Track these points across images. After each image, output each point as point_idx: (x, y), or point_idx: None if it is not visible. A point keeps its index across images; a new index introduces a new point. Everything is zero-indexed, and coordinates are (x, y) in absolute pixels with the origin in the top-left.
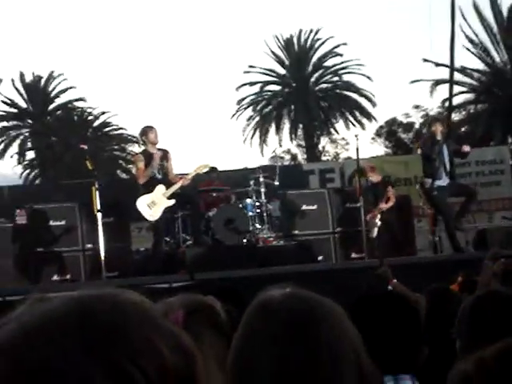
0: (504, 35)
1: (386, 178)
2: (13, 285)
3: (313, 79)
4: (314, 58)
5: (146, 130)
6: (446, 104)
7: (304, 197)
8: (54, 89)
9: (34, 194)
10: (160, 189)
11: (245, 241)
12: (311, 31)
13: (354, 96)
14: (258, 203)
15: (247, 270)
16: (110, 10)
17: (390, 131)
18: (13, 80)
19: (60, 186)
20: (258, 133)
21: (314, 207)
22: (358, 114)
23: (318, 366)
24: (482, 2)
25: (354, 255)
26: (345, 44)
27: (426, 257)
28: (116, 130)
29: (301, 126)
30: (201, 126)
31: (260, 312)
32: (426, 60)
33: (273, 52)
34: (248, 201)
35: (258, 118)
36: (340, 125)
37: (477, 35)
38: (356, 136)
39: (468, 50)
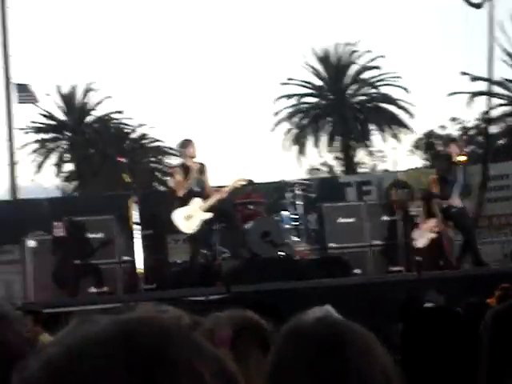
0: None
1: None
2: (51, 297)
3: (350, 91)
4: (351, 71)
5: (185, 144)
6: (485, 116)
7: (341, 209)
8: (90, 100)
9: (72, 206)
10: (197, 202)
11: (281, 254)
12: (348, 44)
13: (391, 108)
14: (294, 216)
15: (283, 283)
16: (146, 21)
17: (428, 143)
18: (50, 92)
19: (98, 198)
20: (295, 145)
21: (351, 220)
22: (394, 126)
23: None
24: None
25: (391, 268)
26: (382, 57)
27: (465, 270)
28: (153, 142)
29: (338, 138)
30: (238, 139)
31: (291, 337)
32: (464, 73)
33: (310, 64)
34: (284, 213)
35: (295, 131)
36: (377, 137)
37: None
38: (393, 148)
39: (505, 62)
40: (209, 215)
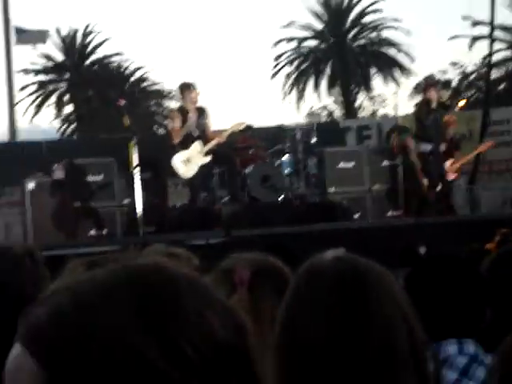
0: None
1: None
2: (50, 239)
3: (350, 35)
4: (352, 14)
5: (187, 86)
6: (486, 61)
7: (341, 154)
8: (90, 42)
9: (72, 148)
10: (196, 146)
11: (281, 198)
12: None
13: (392, 52)
14: (294, 160)
15: (283, 228)
16: None
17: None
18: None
19: (97, 141)
20: (295, 89)
21: (351, 165)
22: (395, 70)
23: (367, 331)
24: None
25: (390, 213)
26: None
27: (464, 215)
28: (153, 84)
29: (338, 82)
30: (237, 82)
31: (309, 277)
32: (465, 17)
33: (311, 8)
34: (284, 158)
35: (295, 75)
36: (377, 81)
37: None
38: (394, 93)
39: (508, 6)
40: (208, 159)
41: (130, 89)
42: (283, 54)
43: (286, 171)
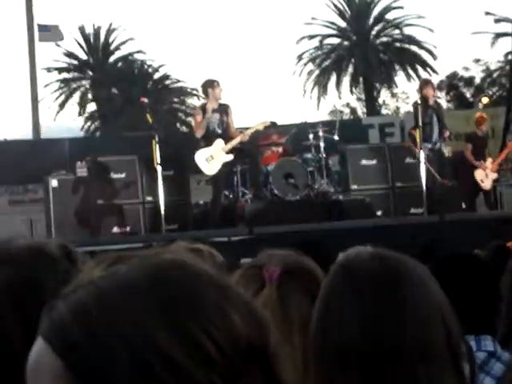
0: None
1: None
2: (74, 236)
3: (373, 32)
4: (375, 11)
5: (211, 84)
6: (509, 57)
7: (363, 151)
8: (113, 40)
9: (95, 146)
10: (219, 143)
11: (304, 195)
12: None
13: (415, 49)
14: (317, 158)
15: (306, 225)
16: None
17: (451, 85)
18: (72, 32)
19: (120, 138)
20: (317, 87)
21: (373, 162)
22: (418, 67)
23: (402, 325)
24: None
25: (412, 211)
26: None
27: (487, 213)
28: (176, 82)
29: (361, 79)
30: (261, 79)
31: (344, 272)
32: (488, 13)
33: (334, 4)
34: (307, 155)
35: (317, 72)
36: (400, 78)
37: None
38: (417, 90)
39: None
40: (231, 157)
41: (152, 87)
42: (306, 51)
43: (309, 168)
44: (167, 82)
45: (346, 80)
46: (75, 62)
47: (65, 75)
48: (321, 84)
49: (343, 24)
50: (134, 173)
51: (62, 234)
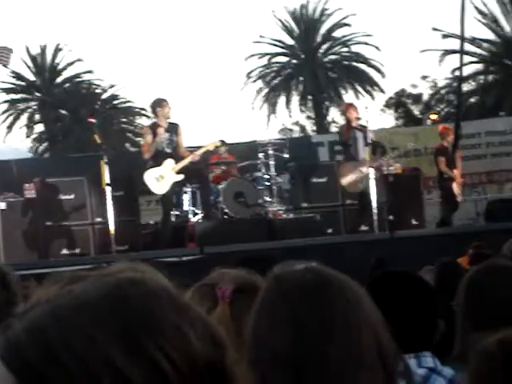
0: None
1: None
2: (22, 259)
3: (321, 50)
4: (323, 29)
5: (161, 103)
6: (456, 74)
7: (313, 169)
8: (61, 61)
9: (43, 167)
10: (169, 163)
11: (254, 214)
12: (320, 1)
13: (363, 67)
14: (267, 176)
15: (257, 244)
16: None
17: (399, 102)
18: (19, 52)
19: (69, 159)
20: (266, 105)
21: (324, 180)
22: (366, 85)
23: (330, 335)
24: None
25: (363, 228)
26: (353, 14)
27: (436, 229)
28: (124, 102)
29: (310, 97)
30: (209, 99)
31: (276, 282)
32: (435, 29)
33: (282, 22)
34: (257, 174)
35: (266, 90)
36: (349, 96)
37: (486, 5)
38: (366, 108)
39: (478, 20)
40: (181, 176)
41: (101, 107)
42: (255, 69)
43: (259, 187)
44: (116, 102)
45: (296, 98)
46: (22, 83)
47: (12, 96)
48: (270, 102)
49: (291, 42)
50: (83, 194)
51: (10, 257)
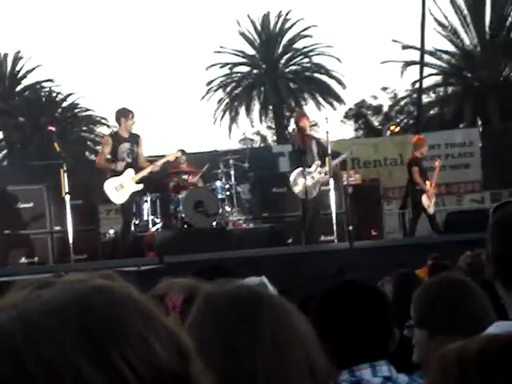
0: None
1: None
2: None
3: (282, 61)
4: (284, 40)
5: (127, 114)
6: (416, 86)
7: (273, 179)
8: (21, 69)
9: (2, 175)
10: (129, 172)
11: (214, 224)
12: (281, 12)
13: (324, 78)
14: (227, 186)
15: (217, 253)
16: None
17: (359, 113)
18: None
19: (28, 167)
20: (227, 114)
21: (284, 190)
22: (327, 96)
23: (260, 353)
24: None
25: (323, 238)
26: (315, 26)
27: (395, 239)
28: (84, 111)
29: (270, 107)
30: (170, 107)
31: (207, 299)
32: (395, 41)
33: (243, 33)
34: (217, 183)
35: (227, 100)
36: (310, 106)
37: (446, 17)
38: (326, 118)
39: (438, 32)
40: (141, 186)
41: (61, 115)
42: (216, 79)
43: (220, 197)
44: (76, 110)
45: (257, 108)
46: None
47: None
48: (231, 112)
49: (253, 52)
50: (42, 202)
51: None
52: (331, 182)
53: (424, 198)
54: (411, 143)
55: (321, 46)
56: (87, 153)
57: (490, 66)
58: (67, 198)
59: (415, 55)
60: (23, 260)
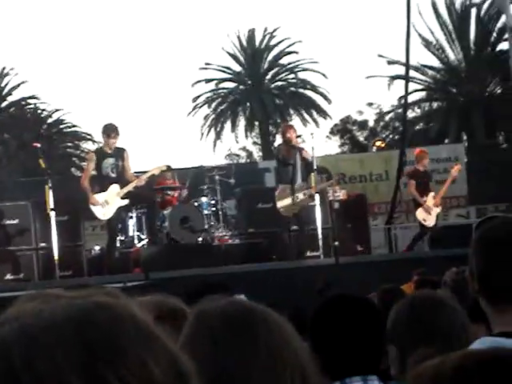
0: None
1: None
2: None
3: (268, 77)
4: (270, 56)
5: (112, 130)
6: (402, 101)
7: (259, 195)
8: (6, 85)
9: None
10: (114, 188)
11: (200, 240)
12: (266, 29)
13: (309, 93)
14: (213, 202)
15: (203, 269)
16: (62, 4)
17: (345, 129)
18: None
19: (13, 183)
20: (213, 130)
21: (270, 205)
22: (313, 111)
23: (256, 368)
24: None
25: (309, 253)
26: (300, 42)
27: (381, 255)
28: (70, 127)
29: (256, 123)
30: (156, 124)
31: (199, 316)
32: (380, 56)
33: (228, 50)
34: (203, 199)
35: (213, 116)
36: (295, 122)
37: (432, 33)
38: (311, 134)
39: (424, 47)
40: (126, 201)
41: (46, 131)
42: (202, 94)
43: (205, 212)
44: (61, 126)
45: (242, 124)
46: None
47: None
48: (217, 128)
49: (238, 68)
50: (27, 219)
51: None
52: (317, 197)
53: (419, 212)
54: (396, 158)
55: (306, 61)
56: (73, 169)
57: (475, 82)
58: (52, 214)
59: (401, 70)
60: (8, 276)
